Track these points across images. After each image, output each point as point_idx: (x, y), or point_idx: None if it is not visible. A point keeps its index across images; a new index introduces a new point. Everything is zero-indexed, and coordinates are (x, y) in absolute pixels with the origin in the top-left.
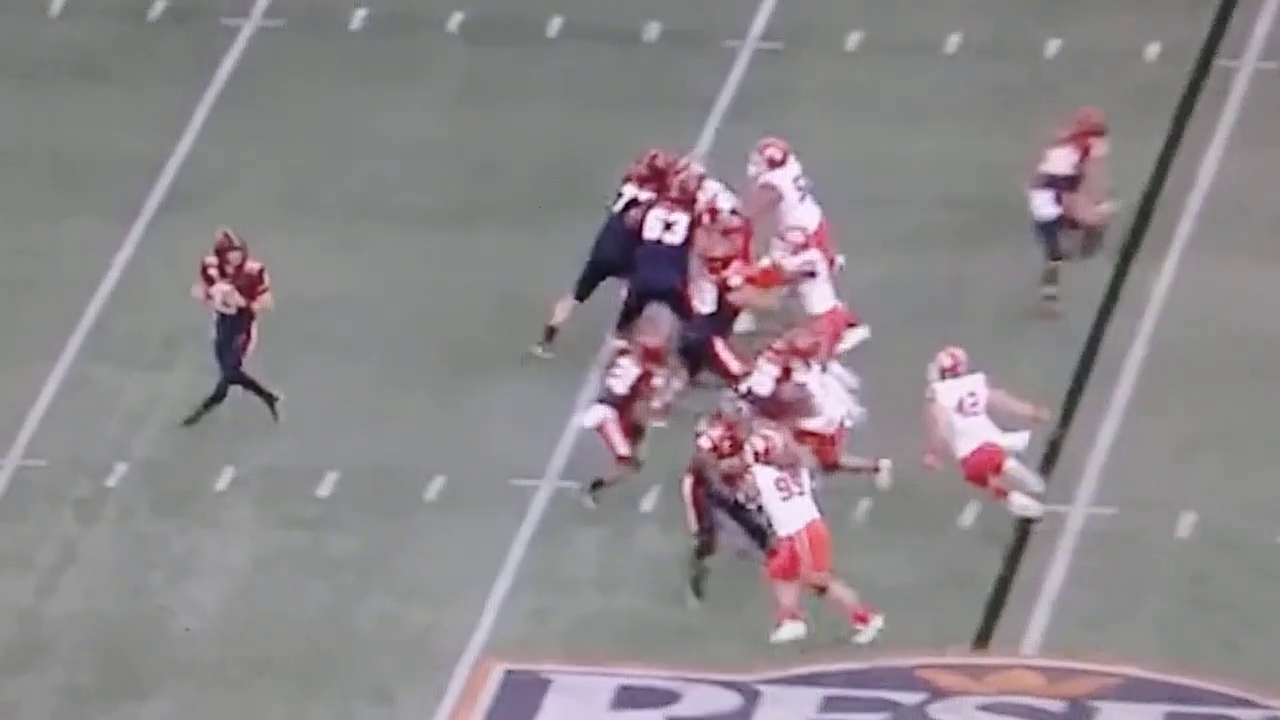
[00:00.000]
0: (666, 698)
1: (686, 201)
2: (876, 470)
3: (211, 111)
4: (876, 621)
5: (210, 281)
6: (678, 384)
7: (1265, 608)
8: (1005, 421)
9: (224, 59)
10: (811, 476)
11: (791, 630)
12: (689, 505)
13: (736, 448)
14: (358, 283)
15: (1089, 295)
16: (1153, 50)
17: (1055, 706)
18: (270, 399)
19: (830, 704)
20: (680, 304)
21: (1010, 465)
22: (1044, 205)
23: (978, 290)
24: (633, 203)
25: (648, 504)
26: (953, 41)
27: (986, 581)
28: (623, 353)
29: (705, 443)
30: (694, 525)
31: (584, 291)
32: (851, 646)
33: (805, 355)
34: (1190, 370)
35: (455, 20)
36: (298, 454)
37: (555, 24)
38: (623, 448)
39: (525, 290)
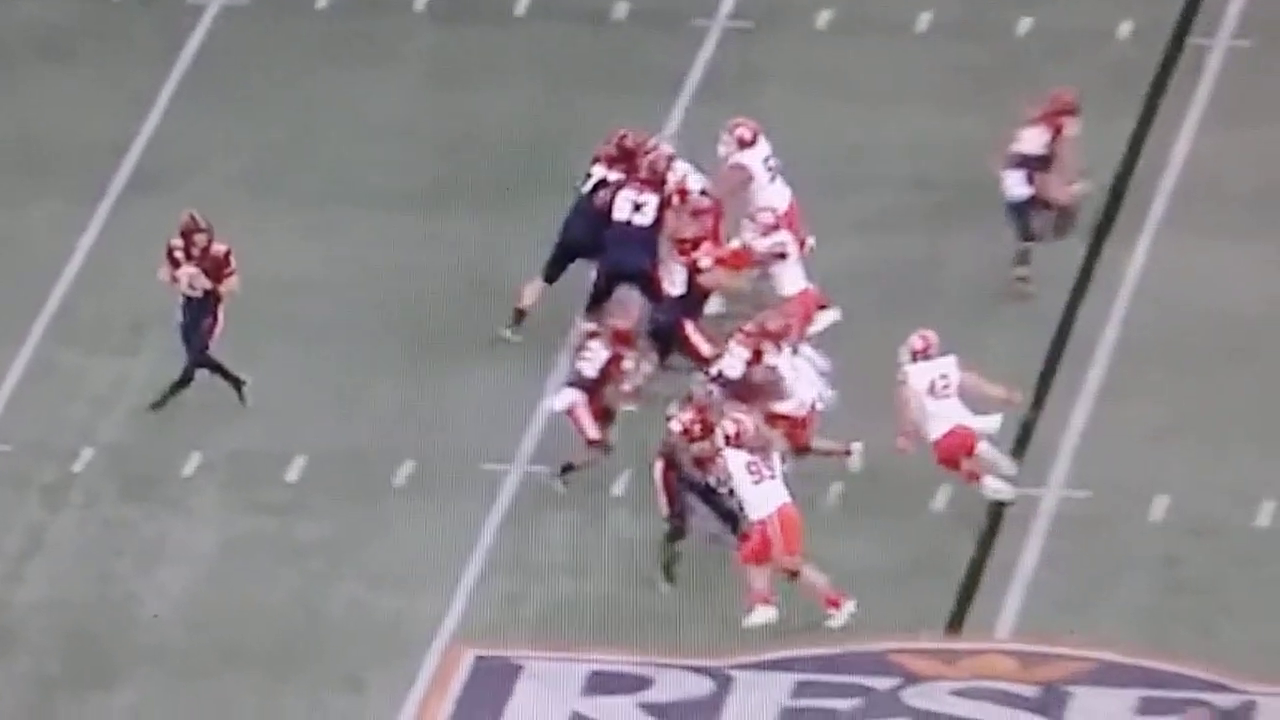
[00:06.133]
0: (638, 683)
1: (656, 182)
2: (848, 454)
3: (177, 92)
4: (849, 606)
5: (176, 264)
6: (648, 367)
7: (1239, 591)
8: (977, 404)
9: (190, 39)
10: (783, 460)
11: (763, 615)
12: (660, 489)
13: (707, 431)
14: (325, 265)
15: (1061, 276)
16: (1125, 29)
17: (1029, 691)
18: (237, 383)
19: (802, 689)
20: (650, 286)
21: (983, 448)
22: (1016, 185)
23: (949, 272)
24: (602, 183)
25: (618, 488)
26: (923, 20)
27: (959, 565)
28: (592, 335)
29: (676, 426)
30: (665, 509)
31: (553, 274)
32: (824, 631)
33: (776, 338)
34: (1164, 352)
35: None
36: (266, 439)
37: (523, 3)
38: (593, 431)
39: (494, 273)
